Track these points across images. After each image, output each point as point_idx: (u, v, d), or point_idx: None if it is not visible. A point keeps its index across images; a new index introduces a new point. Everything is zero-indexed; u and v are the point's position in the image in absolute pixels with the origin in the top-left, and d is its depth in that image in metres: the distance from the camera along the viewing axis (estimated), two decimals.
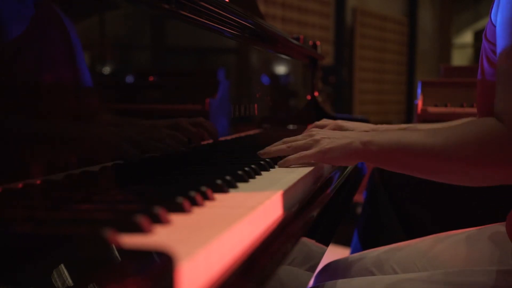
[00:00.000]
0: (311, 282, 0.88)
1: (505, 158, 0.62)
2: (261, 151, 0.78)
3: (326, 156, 0.71)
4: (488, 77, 0.74)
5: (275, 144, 0.79)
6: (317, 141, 0.73)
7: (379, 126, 1.00)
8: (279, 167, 0.75)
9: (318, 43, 1.58)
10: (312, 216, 0.58)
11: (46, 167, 0.48)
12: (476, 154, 0.63)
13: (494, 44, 0.69)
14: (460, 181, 0.72)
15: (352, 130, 0.91)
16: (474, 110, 0.98)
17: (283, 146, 0.76)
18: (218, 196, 0.53)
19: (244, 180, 0.63)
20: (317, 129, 0.82)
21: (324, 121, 0.96)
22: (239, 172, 0.63)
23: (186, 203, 0.46)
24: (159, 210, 0.41)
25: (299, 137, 0.77)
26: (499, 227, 0.81)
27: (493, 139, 0.62)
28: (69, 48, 0.52)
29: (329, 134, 0.74)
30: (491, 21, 0.71)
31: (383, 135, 0.71)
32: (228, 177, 0.58)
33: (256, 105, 1.05)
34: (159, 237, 0.38)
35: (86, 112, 0.55)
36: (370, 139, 0.69)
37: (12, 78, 0.45)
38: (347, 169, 0.91)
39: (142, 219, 0.38)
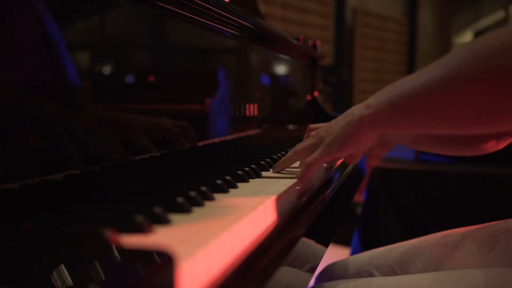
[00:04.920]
0: (311, 283, 0.88)
1: None
2: (274, 166, 0.73)
3: (331, 148, 0.65)
4: None
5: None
6: (320, 138, 0.67)
7: None
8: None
9: (318, 43, 1.58)
10: (312, 216, 0.58)
11: (45, 167, 0.48)
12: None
13: None
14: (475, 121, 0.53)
15: None
16: None
17: (290, 153, 0.71)
18: (218, 196, 0.53)
19: (244, 180, 0.63)
20: (316, 130, 0.73)
21: (317, 125, 0.86)
22: (239, 172, 0.63)
23: (186, 203, 0.46)
24: (159, 210, 0.41)
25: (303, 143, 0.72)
26: (500, 225, 0.81)
27: None
28: (51, 47, 0.50)
29: (330, 125, 0.67)
30: None
31: (383, 91, 0.62)
32: (228, 177, 0.58)
33: (256, 105, 1.05)
34: (159, 237, 0.38)
35: (85, 112, 0.55)
36: (372, 100, 0.62)
37: None
38: (347, 169, 0.91)
39: (142, 219, 0.38)
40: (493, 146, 0.84)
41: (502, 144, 0.83)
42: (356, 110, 0.63)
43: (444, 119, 0.54)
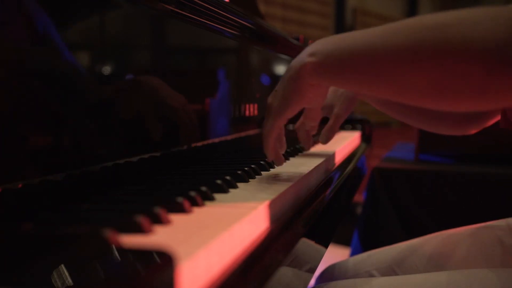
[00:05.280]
0: (311, 284, 0.88)
1: None
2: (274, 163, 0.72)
3: (280, 110, 0.61)
4: None
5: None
6: (270, 106, 0.63)
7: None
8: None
9: None
10: (312, 217, 0.58)
11: (46, 167, 0.48)
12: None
13: None
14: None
15: None
16: None
17: (263, 142, 0.68)
18: (218, 196, 0.53)
19: (244, 180, 0.63)
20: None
21: None
22: (239, 172, 0.63)
23: (186, 203, 0.46)
24: (159, 210, 0.41)
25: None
26: (501, 225, 0.81)
27: None
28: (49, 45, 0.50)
29: (276, 88, 0.62)
30: None
31: (331, 40, 0.58)
32: (228, 177, 0.58)
33: (256, 105, 1.05)
34: (159, 237, 0.38)
35: (85, 112, 0.55)
36: (315, 48, 0.57)
37: None
38: (347, 169, 0.91)
39: (142, 219, 0.38)
40: (465, 128, 0.82)
41: (476, 128, 0.81)
42: (296, 62, 0.59)
43: (392, 85, 0.51)
